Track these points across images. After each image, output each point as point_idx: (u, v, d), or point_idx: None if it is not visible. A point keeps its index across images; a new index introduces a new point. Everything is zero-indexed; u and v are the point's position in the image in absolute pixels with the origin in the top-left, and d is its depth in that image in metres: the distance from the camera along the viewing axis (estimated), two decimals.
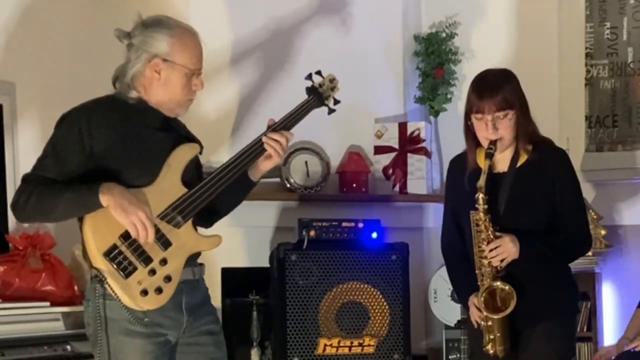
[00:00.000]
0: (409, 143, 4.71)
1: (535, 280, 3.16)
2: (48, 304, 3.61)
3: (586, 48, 4.73)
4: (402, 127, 4.73)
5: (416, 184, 4.71)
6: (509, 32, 4.91)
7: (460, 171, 3.26)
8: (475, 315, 3.20)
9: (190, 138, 3.04)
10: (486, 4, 4.95)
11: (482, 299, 3.11)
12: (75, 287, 3.76)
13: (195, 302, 2.95)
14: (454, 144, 4.83)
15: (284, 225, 4.51)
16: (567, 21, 4.80)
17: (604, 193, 4.71)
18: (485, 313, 3.11)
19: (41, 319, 3.58)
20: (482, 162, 3.15)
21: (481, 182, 3.07)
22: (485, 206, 3.08)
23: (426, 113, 4.93)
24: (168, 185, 2.87)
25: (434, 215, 4.80)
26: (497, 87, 3.11)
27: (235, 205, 3.15)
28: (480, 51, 4.93)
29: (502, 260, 3.10)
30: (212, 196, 2.92)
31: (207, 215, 3.05)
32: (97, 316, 2.81)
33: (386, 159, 4.73)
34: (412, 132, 4.71)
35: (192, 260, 2.96)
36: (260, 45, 4.64)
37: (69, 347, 3.53)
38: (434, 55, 4.86)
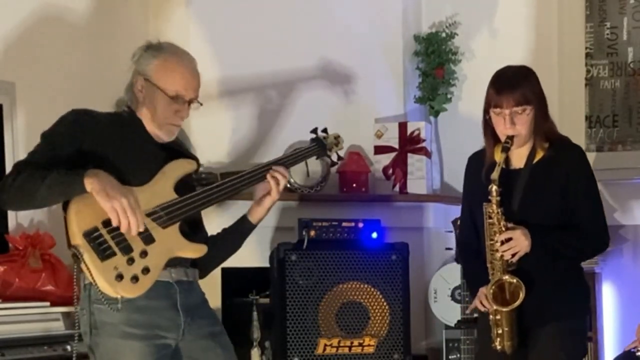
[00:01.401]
0: (409, 143, 4.71)
1: (546, 278, 3.17)
2: (48, 304, 3.61)
3: (586, 48, 4.72)
4: (402, 127, 4.73)
5: (416, 184, 4.71)
6: (509, 32, 4.90)
7: (478, 167, 3.28)
8: (478, 302, 3.20)
9: (187, 155, 3.09)
10: (486, 4, 4.95)
11: (491, 292, 3.12)
12: (75, 287, 3.76)
13: (191, 303, 2.95)
14: (454, 144, 4.87)
15: (284, 225, 4.50)
16: (567, 21, 4.80)
17: (604, 193, 4.70)
18: (494, 306, 3.12)
19: (41, 319, 3.58)
20: (499, 158, 3.17)
21: (495, 174, 3.09)
22: (498, 198, 3.10)
23: (426, 113, 4.93)
24: (159, 189, 2.89)
25: (434, 215, 4.80)
26: (516, 83, 3.14)
27: (233, 251, 3.19)
28: (480, 51, 4.93)
29: (513, 255, 3.11)
30: (202, 206, 2.95)
31: (202, 263, 3.04)
32: (92, 321, 2.81)
33: (386, 159, 4.73)
34: (412, 132, 4.71)
35: (185, 262, 2.96)
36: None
37: (69, 347, 3.53)
38: (434, 55, 4.85)
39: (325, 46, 4.70)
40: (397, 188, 4.71)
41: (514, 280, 3.10)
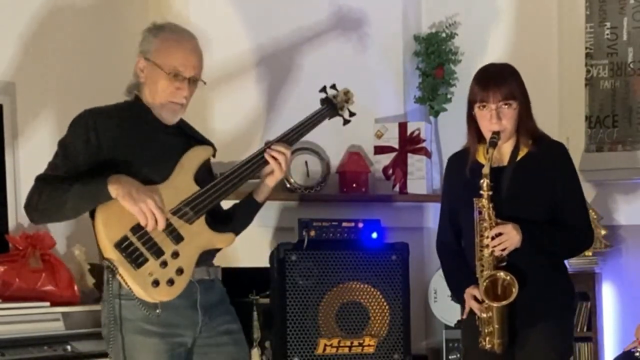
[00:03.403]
0: (409, 143, 4.71)
1: (534, 277, 3.16)
2: (48, 304, 3.61)
3: (586, 48, 4.72)
4: (402, 127, 4.73)
5: (416, 184, 4.71)
6: (508, 32, 4.91)
7: (460, 167, 3.28)
8: (473, 306, 3.19)
9: (203, 141, 3.07)
10: (486, 4, 4.95)
11: (484, 287, 3.11)
12: (75, 287, 3.76)
13: (211, 301, 2.97)
14: (454, 144, 4.84)
15: (284, 225, 4.51)
16: (567, 21, 4.80)
17: (604, 193, 4.71)
18: (486, 301, 3.11)
19: (41, 319, 3.58)
20: (482, 158, 3.17)
21: (486, 169, 3.09)
22: (490, 192, 3.09)
23: (426, 113, 4.93)
24: (181, 183, 2.90)
25: (434, 215, 4.79)
26: (502, 78, 3.16)
27: (243, 228, 3.17)
28: (480, 51, 4.92)
29: (503, 250, 3.11)
30: (223, 195, 2.95)
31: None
32: (112, 316, 2.82)
33: (386, 159, 4.73)
34: (412, 132, 4.71)
35: (208, 261, 2.98)
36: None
37: (69, 347, 3.53)
38: (434, 55, 4.85)
39: (323, 46, 4.70)
40: (397, 188, 4.71)
41: (508, 277, 3.09)
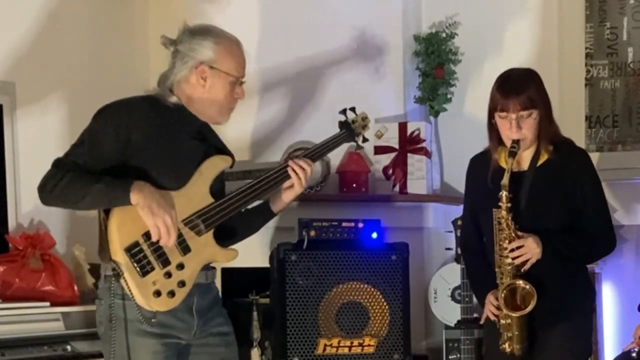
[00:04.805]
0: (409, 143, 4.71)
1: (553, 280, 3.17)
2: (48, 304, 3.61)
3: (586, 48, 4.72)
4: (402, 127, 4.73)
5: (416, 184, 4.71)
6: (508, 32, 4.90)
7: (482, 170, 3.28)
8: (489, 311, 3.20)
9: (223, 150, 3.06)
10: (486, 4, 4.95)
11: (503, 296, 3.11)
12: (75, 287, 3.77)
13: (205, 304, 2.98)
14: (454, 144, 4.87)
15: (284, 225, 4.50)
16: (567, 21, 4.80)
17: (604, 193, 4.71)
18: (505, 311, 3.11)
19: (41, 319, 3.58)
20: (504, 162, 3.16)
21: (505, 180, 3.09)
22: (509, 204, 3.09)
23: (426, 113, 4.93)
24: (196, 193, 2.89)
25: (434, 215, 4.80)
26: (522, 87, 3.14)
27: (250, 233, 3.19)
28: (480, 51, 4.92)
29: (524, 262, 3.11)
30: (237, 210, 2.96)
31: (225, 238, 3.05)
32: (109, 315, 2.83)
33: (386, 159, 4.73)
34: (412, 132, 4.71)
35: (207, 265, 2.99)
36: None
37: (69, 347, 3.53)
38: (434, 56, 4.85)
39: (324, 46, 4.70)
40: (397, 188, 4.71)
41: (527, 287, 3.10)
